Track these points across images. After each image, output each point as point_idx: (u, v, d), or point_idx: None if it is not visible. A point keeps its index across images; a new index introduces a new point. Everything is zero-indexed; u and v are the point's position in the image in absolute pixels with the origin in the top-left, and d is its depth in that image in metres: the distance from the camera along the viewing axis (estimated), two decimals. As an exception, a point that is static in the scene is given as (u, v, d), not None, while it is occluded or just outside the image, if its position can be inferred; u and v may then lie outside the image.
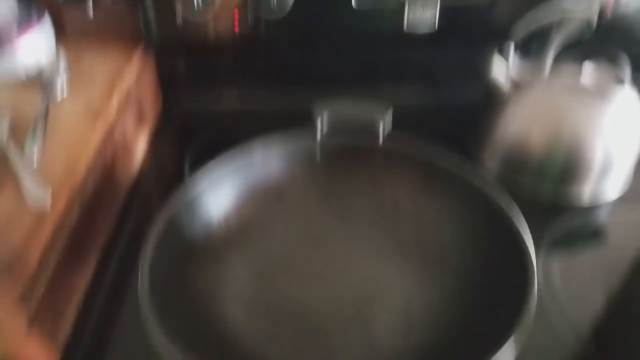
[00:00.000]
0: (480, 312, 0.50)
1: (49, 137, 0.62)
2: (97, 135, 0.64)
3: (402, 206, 0.62)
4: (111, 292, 0.59)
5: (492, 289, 0.51)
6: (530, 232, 0.51)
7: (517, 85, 0.68)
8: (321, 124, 0.66)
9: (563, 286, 0.57)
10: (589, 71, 0.66)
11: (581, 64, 0.67)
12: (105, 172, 0.64)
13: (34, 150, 0.59)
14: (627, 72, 0.64)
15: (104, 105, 0.68)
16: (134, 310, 0.54)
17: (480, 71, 0.71)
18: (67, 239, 0.54)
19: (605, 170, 0.65)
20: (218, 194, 0.60)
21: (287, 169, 0.64)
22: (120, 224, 0.67)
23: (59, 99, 0.67)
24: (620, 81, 0.65)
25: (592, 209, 0.67)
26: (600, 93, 0.64)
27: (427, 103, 0.85)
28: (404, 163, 0.62)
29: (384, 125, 0.65)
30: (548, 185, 0.67)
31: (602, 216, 0.67)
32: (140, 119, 0.78)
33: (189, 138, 0.80)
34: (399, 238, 0.61)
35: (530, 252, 0.49)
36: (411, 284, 0.56)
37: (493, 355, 0.41)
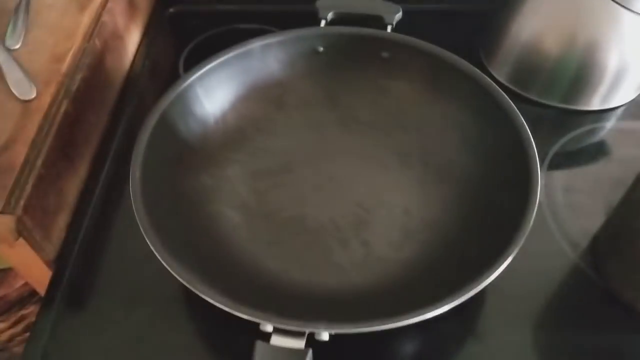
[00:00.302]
0: (481, 225, 0.49)
1: (33, 24, 0.59)
2: (85, 21, 0.60)
3: (407, 110, 0.59)
4: (105, 198, 0.57)
5: (493, 200, 0.50)
6: (536, 140, 0.49)
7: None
8: (326, 21, 0.63)
9: (564, 197, 0.57)
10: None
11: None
12: (95, 63, 0.61)
13: (18, 37, 0.56)
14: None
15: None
16: (128, 214, 0.54)
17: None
18: (56, 133, 0.52)
19: (618, 76, 0.63)
20: (214, 89, 0.57)
21: (288, 65, 0.60)
22: (113, 122, 0.64)
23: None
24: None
25: (600, 114, 0.65)
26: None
27: (438, 6, 0.80)
28: (410, 59, 0.58)
29: (392, 25, 0.62)
30: (559, 91, 0.65)
31: (611, 122, 0.65)
32: (132, 9, 0.73)
33: (185, 35, 0.76)
34: (401, 147, 0.59)
35: (535, 160, 0.47)
36: (412, 196, 0.55)
37: (492, 270, 0.40)
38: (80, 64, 0.58)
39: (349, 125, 0.61)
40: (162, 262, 0.41)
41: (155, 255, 0.41)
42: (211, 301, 0.39)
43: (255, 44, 0.58)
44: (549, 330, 0.48)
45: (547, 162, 0.59)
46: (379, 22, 0.62)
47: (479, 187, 0.52)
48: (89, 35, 0.61)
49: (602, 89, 0.63)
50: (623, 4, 0.60)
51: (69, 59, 0.56)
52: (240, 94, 0.59)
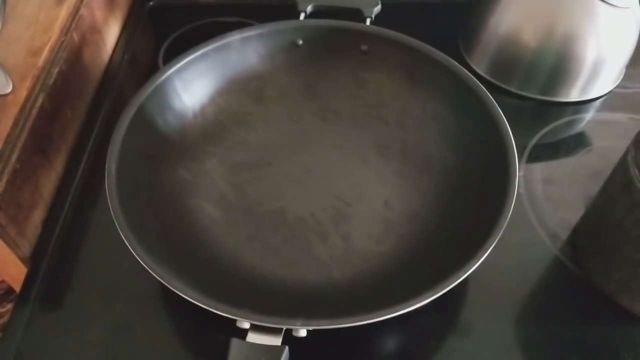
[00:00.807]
0: (460, 217, 0.49)
1: (9, 17, 0.57)
2: (62, 15, 0.59)
3: (386, 103, 0.59)
4: (81, 193, 0.57)
5: (472, 193, 0.50)
6: (516, 132, 0.49)
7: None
8: (305, 14, 0.63)
9: (544, 189, 0.57)
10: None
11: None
12: (73, 56, 0.60)
13: (-8, 29, 0.55)
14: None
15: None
16: (105, 209, 0.54)
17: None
18: (31, 127, 0.51)
19: (596, 68, 0.63)
20: (193, 82, 0.57)
21: (267, 57, 0.60)
22: (91, 116, 0.64)
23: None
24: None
25: (578, 106, 0.66)
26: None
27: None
28: (389, 51, 0.58)
29: (371, 18, 0.62)
30: (537, 82, 0.65)
31: (589, 114, 0.66)
32: (110, 3, 0.72)
33: (165, 28, 0.75)
34: (381, 139, 0.59)
35: (513, 152, 0.47)
36: (391, 188, 0.55)
37: (471, 263, 0.40)
38: (57, 58, 0.57)
39: (329, 118, 0.60)
40: (138, 259, 0.40)
41: (129, 251, 0.40)
42: (186, 297, 0.38)
43: (234, 37, 0.58)
44: (530, 323, 0.48)
45: (526, 153, 0.60)
46: (358, 15, 0.62)
47: (459, 180, 0.53)
48: (67, 29, 0.60)
49: (581, 81, 0.64)
50: (600, -4, 0.60)
51: (45, 52, 0.56)
52: (219, 87, 0.59)
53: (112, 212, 0.43)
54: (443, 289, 0.39)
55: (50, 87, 0.55)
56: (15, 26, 0.57)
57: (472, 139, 0.52)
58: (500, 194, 0.44)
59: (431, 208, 0.52)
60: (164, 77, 0.54)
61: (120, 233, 0.41)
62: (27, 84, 0.52)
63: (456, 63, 0.55)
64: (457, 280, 0.39)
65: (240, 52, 0.59)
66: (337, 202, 0.54)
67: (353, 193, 0.55)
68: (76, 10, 0.62)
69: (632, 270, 0.44)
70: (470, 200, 0.50)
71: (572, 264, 0.51)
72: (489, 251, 0.41)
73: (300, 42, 0.60)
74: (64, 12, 0.60)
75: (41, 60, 0.55)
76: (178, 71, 0.55)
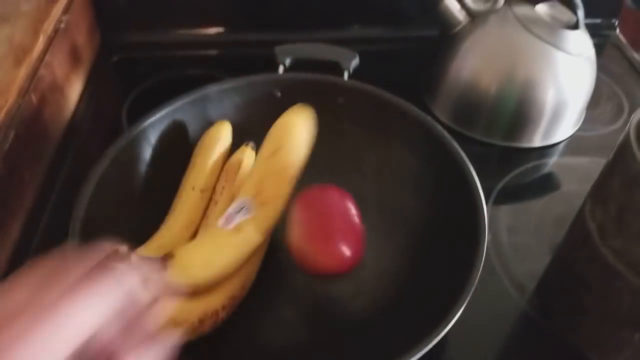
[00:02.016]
0: (430, 276, 0.48)
1: (-36, 79, 0.57)
2: (20, 76, 0.58)
3: (362, 155, 0.58)
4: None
5: (444, 248, 0.49)
6: (480, 179, 0.49)
7: (471, 16, 0.65)
8: (284, 66, 0.63)
9: (509, 238, 0.57)
10: (543, 11, 0.64)
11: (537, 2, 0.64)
12: (31, 118, 0.59)
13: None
14: (580, 14, 0.61)
15: (29, 42, 0.62)
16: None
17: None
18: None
19: (557, 113, 0.64)
20: (168, 135, 0.56)
21: (244, 109, 0.60)
22: (50, 177, 0.62)
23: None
24: (574, 24, 0.62)
25: (541, 151, 0.66)
26: (553, 36, 0.61)
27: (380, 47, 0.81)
28: (364, 105, 0.58)
29: (349, 70, 0.62)
30: (500, 129, 0.66)
31: (552, 159, 0.66)
32: (74, 60, 0.72)
33: (130, 83, 0.75)
34: (358, 192, 0.56)
35: (482, 214, 0.46)
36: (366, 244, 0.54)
37: (441, 328, 0.39)
38: (14, 120, 0.56)
39: (306, 170, 0.60)
40: None
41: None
42: None
43: (212, 89, 0.58)
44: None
45: (491, 200, 0.60)
46: (336, 67, 0.63)
47: (431, 233, 0.52)
48: (25, 91, 0.59)
49: (542, 126, 0.65)
50: (556, 44, 0.61)
51: (1, 116, 0.55)
52: (195, 139, 0.58)
53: None
54: (412, 356, 0.38)
55: (6, 151, 0.54)
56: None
57: (444, 194, 0.52)
58: (469, 252, 0.44)
59: (403, 265, 0.52)
60: (139, 129, 0.53)
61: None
62: (-19, 150, 0.51)
63: (428, 117, 0.55)
64: (424, 349, 0.38)
65: (218, 103, 0.59)
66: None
67: None
68: (35, 71, 0.61)
69: (598, 325, 0.44)
70: (441, 257, 0.49)
71: (540, 316, 0.50)
72: (457, 316, 0.40)
73: (279, 94, 0.60)
74: (22, 73, 0.59)
75: (-2, 124, 0.54)
76: (153, 124, 0.54)
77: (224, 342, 0.47)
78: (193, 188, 0.52)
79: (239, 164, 0.54)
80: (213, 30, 0.82)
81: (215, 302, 0.44)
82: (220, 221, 0.46)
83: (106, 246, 0.29)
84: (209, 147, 0.55)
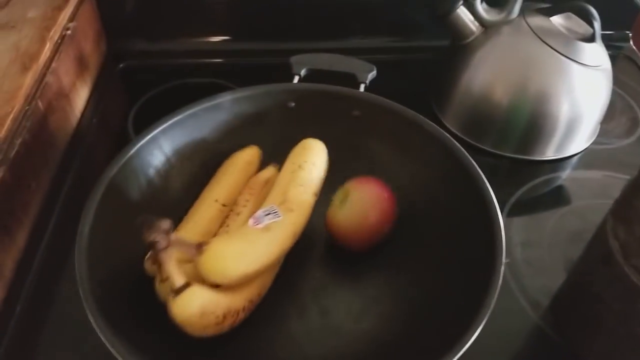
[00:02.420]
0: (444, 296, 0.47)
1: (-29, 85, 0.56)
2: (27, 83, 0.58)
3: (376, 170, 0.56)
4: (44, 269, 0.54)
5: (458, 266, 0.48)
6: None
7: (484, 26, 0.64)
8: (299, 77, 0.62)
9: (522, 252, 0.55)
10: (558, 23, 0.63)
11: (551, 14, 0.63)
12: (37, 125, 0.58)
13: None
14: (597, 26, 0.60)
15: (36, 49, 0.61)
16: (69, 285, 0.51)
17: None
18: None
19: (571, 126, 0.63)
20: (179, 141, 0.55)
21: (257, 119, 0.59)
22: (57, 185, 0.61)
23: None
24: (590, 36, 0.62)
25: (554, 164, 0.66)
26: (569, 47, 0.61)
27: (393, 56, 0.80)
28: (380, 118, 0.57)
29: (366, 83, 0.61)
30: (512, 141, 0.65)
31: (565, 172, 0.65)
32: (80, 67, 0.71)
33: (136, 90, 0.74)
34: None
35: (500, 233, 0.45)
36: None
37: (456, 349, 0.38)
38: (21, 127, 0.55)
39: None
40: (108, 345, 0.38)
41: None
42: None
43: (226, 98, 0.57)
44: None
45: (504, 214, 0.59)
46: (352, 80, 0.62)
47: (445, 251, 0.51)
48: (31, 97, 0.58)
49: (556, 139, 0.64)
50: (571, 57, 0.60)
51: (8, 123, 0.54)
52: (206, 146, 0.57)
53: (83, 299, 0.40)
54: None
55: (12, 159, 0.53)
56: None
57: (460, 211, 0.51)
58: (485, 273, 0.43)
59: (416, 284, 0.51)
60: (150, 135, 0.52)
61: (85, 305, 0.39)
62: (-13, 155, 0.51)
63: (443, 132, 0.54)
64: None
65: (231, 112, 0.58)
66: (318, 273, 0.52)
67: (334, 279, 0.53)
68: (42, 77, 0.61)
69: (615, 344, 0.43)
70: (455, 278, 0.48)
71: (554, 333, 0.49)
72: (476, 334, 0.39)
73: (293, 104, 0.59)
74: (29, 79, 0.58)
75: (3, 132, 0.53)
76: (165, 130, 0.54)
77: (229, 354, 0.46)
78: (216, 201, 0.53)
79: (265, 181, 0.55)
80: (220, 39, 0.81)
81: (237, 301, 0.44)
82: (250, 221, 0.47)
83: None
84: (237, 167, 0.56)
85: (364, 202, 0.51)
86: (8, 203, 0.52)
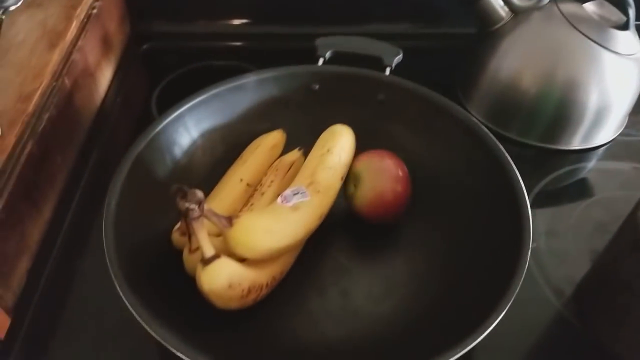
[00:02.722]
0: (466, 281, 0.47)
1: (1, 62, 0.56)
2: (54, 60, 0.58)
3: (400, 155, 0.55)
4: (69, 241, 0.54)
5: (481, 253, 0.48)
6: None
7: (514, 12, 0.63)
8: (324, 59, 0.62)
9: (547, 242, 0.55)
10: (591, 10, 0.62)
11: (584, 0, 0.62)
12: (64, 101, 0.59)
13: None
14: (631, 14, 0.59)
15: (63, 27, 0.62)
16: (94, 257, 0.51)
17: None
18: (19, 175, 0.49)
19: (599, 115, 0.62)
20: (204, 121, 0.55)
21: (281, 100, 0.59)
22: (82, 161, 0.62)
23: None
24: (624, 24, 0.61)
25: (580, 154, 0.65)
26: (601, 35, 0.60)
27: (417, 42, 0.80)
28: (406, 102, 0.57)
29: (391, 67, 0.61)
30: (538, 130, 0.64)
31: (591, 163, 0.64)
32: (104, 46, 0.72)
33: (159, 71, 0.75)
34: None
35: (527, 217, 0.45)
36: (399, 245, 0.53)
37: (477, 333, 0.38)
38: (48, 103, 0.56)
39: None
40: (136, 316, 0.38)
41: (120, 301, 0.39)
42: (175, 352, 0.37)
43: (250, 79, 0.57)
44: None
45: (529, 204, 0.58)
46: (377, 63, 0.61)
47: (469, 237, 0.50)
48: (58, 74, 0.59)
49: (583, 128, 0.63)
50: (603, 44, 0.59)
51: (36, 98, 0.54)
52: (230, 127, 0.57)
53: (107, 255, 0.41)
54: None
55: (40, 133, 0.53)
56: (6, 71, 0.56)
57: (485, 196, 0.51)
58: (511, 257, 0.42)
59: (437, 269, 0.50)
60: (176, 113, 0.53)
61: (112, 276, 0.40)
62: (16, 130, 0.51)
63: (473, 118, 0.54)
64: (462, 350, 0.37)
65: (255, 93, 0.58)
66: (339, 255, 0.52)
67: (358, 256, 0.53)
68: (68, 55, 0.61)
69: (643, 333, 0.42)
70: (478, 263, 0.47)
71: (577, 322, 0.49)
72: (496, 322, 0.39)
73: (317, 87, 0.59)
74: (56, 56, 0.59)
75: (31, 106, 0.53)
76: (190, 109, 0.54)
77: (250, 330, 0.46)
78: (241, 180, 0.53)
79: (291, 164, 0.55)
80: (243, 22, 0.81)
81: (262, 277, 0.45)
82: (279, 199, 0.48)
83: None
84: (263, 149, 0.56)
85: (376, 177, 0.52)
86: (35, 176, 0.53)
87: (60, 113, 0.58)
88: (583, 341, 0.48)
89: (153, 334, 0.37)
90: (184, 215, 0.40)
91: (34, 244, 0.53)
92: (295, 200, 0.47)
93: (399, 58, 0.62)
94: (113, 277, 0.40)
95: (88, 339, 0.47)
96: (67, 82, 0.60)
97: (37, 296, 0.50)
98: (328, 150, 0.52)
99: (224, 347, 0.42)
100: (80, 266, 0.52)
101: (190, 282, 0.44)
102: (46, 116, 0.55)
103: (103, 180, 0.47)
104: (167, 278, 0.46)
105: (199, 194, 0.40)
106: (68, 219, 0.56)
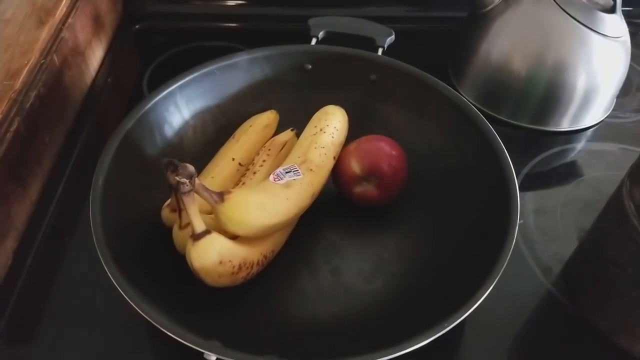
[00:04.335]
0: (455, 258, 0.48)
1: (-13, 37, 0.56)
2: (43, 37, 0.58)
3: (392, 135, 0.55)
4: (56, 222, 0.54)
5: (470, 233, 0.48)
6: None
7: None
8: (317, 39, 0.62)
9: (535, 221, 0.55)
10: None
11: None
12: (52, 79, 0.58)
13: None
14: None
15: (52, 4, 0.61)
16: (81, 238, 0.51)
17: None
18: (5, 152, 0.49)
19: (587, 97, 0.63)
20: (195, 99, 0.55)
21: (274, 80, 0.58)
22: (70, 141, 0.61)
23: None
24: (611, 7, 0.61)
25: (569, 136, 0.65)
26: (589, 17, 0.60)
27: (411, 25, 0.80)
28: (398, 83, 0.57)
29: (384, 47, 0.61)
30: (528, 111, 0.64)
31: (579, 144, 0.65)
32: (96, 25, 0.71)
33: (151, 52, 0.74)
34: None
35: (515, 198, 0.45)
36: (388, 224, 0.54)
37: (465, 308, 0.38)
38: (36, 80, 0.55)
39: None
40: (124, 295, 0.38)
41: (108, 281, 0.38)
42: (156, 325, 0.37)
43: (242, 57, 0.57)
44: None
45: (517, 183, 0.58)
46: (370, 44, 0.61)
47: (457, 218, 0.51)
48: (47, 52, 0.58)
49: (571, 110, 0.63)
50: (591, 26, 0.60)
51: (23, 75, 0.54)
52: (222, 106, 0.57)
53: (93, 233, 0.41)
54: (431, 336, 0.37)
55: (27, 110, 0.53)
56: (-7, 44, 0.56)
57: (475, 177, 0.51)
58: (499, 233, 0.43)
59: (427, 247, 0.51)
60: (167, 91, 0.53)
61: (99, 254, 0.40)
62: (3, 107, 0.50)
63: (464, 99, 0.54)
64: (450, 325, 0.37)
65: (247, 72, 0.58)
66: (331, 234, 0.52)
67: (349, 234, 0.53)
68: (57, 32, 0.61)
69: (629, 308, 0.43)
70: (467, 240, 0.48)
71: (566, 299, 0.49)
72: (484, 296, 0.39)
73: (309, 66, 0.59)
74: (44, 33, 0.58)
75: (19, 83, 0.53)
76: (181, 87, 0.54)
77: (241, 308, 0.46)
78: (233, 159, 0.53)
79: (283, 144, 0.55)
80: (236, 3, 0.81)
81: (253, 254, 0.45)
82: (271, 177, 0.48)
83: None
84: (255, 128, 0.56)
85: (370, 153, 0.51)
86: (23, 154, 0.52)
87: (48, 91, 0.57)
88: (570, 318, 0.48)
89: (141, 312, 0.37)
90: (175, 189, 0.40)
91: (21, 224, 0.52)
92: (288, 178, 0.47)
93: (391, 39, 0.62)
94: (100, 255, 0.40)
95: (76, 319, 0.47)
96: (56, 59, 0.59)
97: (23, 277, 0.50)
98: (321, 130, 0.52)
99: (215, 325, 0.42)
100: (68, 246, 0.52)
101: (179, 260, 0.44)
102: (34, 93, 0.54)
103: (92, 160, 0.46)
104: (156, 256, 0.46)
105: (190, 168, 0.40)
106: (56, 199, 0.56)
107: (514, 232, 0.42)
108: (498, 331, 0.47)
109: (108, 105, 0.68)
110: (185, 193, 0.40)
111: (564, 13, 0.60)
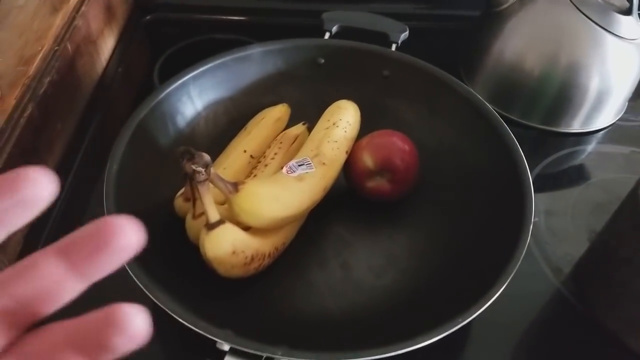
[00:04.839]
0: (467, 256, 0.47)
1: (2, 25, 0.56)
2: (56, 24, 0.57)
3: (403, 132, 0.55)
4: (65, 210, 0.54)
5: (483, 231, 0.48)
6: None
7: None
8: (330, 33, 0.62)
9: (546, 221, 0.55)
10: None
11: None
12: (65, 66, 0.58)
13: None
14: (635, 0, 0.59)
15: (65, -8, 0.61)
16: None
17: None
18: (18, 138, 0.49)
19: (600, 99, 0.62)
20: (208, 90, 0.55)
21: (287, 73, 0.58)
22: (81, 130, 0.61)
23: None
24: (627, 9, 0.61)
25: (580, 137, 0.65)
26: (604, 18, 0.60)
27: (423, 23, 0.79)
28: (411, 79, 0.57)
29: (397, 43, 0.61)
30: (540, 111, 0.64)
31: (591, 146, 0.65)
32: (108, 14, 0.71)
33: (161, 43, 0.74)
34: None
35: (530, 197, 0.45)
36: (399, 220, 0.53)
37: (477, 306, 0.38)
38: (49, 67, 0.55)
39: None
40: (137, 281, 0.38)
41: (121, 269, 0.38)
42: (170, 313, 0.36)
43: (256, 50, 0.57)
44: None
45: (531, 180, 0.58)
46: (384, 39, 0.61)
47: (469, 213, 0.50)
48: (61, 38, 0.58)
49: (583, 111, 0.63)
50: (607, 27, 0.59)
51: (37, 61, 0.54)
52: (234, 98, 0.57)
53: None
54: (440, 334, 0.37)
55: (41, 96, 0.53)
56: (7, 34, 0.55)
57: (488, 175, 0.51)
58: (512, 231, 0.43)
59: (438, 245, 0.50)
60: (181, 81, 0.53)
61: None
62: (16, 92, 0.50)
63: (478, 96, 0.54)
64: (461, 323, 0.37)
65: (260, 65, 0.58)
66: (341, 229, 0.52)
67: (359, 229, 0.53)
68: (71, 20, 0.61)
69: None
70: (479, 238, 0.48)
71: (575, 299, 0.49)
72: (496, 295, 0.39)
73: (322, 60, 0.59)
74: (58, 21, 0.58)
75: (32, 69, 0.53)
76: (195, 77, 0.54)
77: (251, 300, 0.46)
78: (245, 151, 0.53)
79: (295, 137, 0.55)
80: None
81: (265, 246, 0.45)
82: (284, 169, 0.47)
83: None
84: (267, 121, 0.56)
85: (383, 148, 0.51)
86: (35, 141, 0.52)
87: (61, 78, 0.57)
88: (580, 318, 0.48)
89: (155, 299, 0.37)
90: (190, 178, 0.40)
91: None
92: (301, 171, 0.47)
93: (405, 35, 0.62)
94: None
95: (87, 307, 0.46)
96: (69, 47, 0.59)
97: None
98: (334, 124, 0.52)
99: (225, 315, 0.41)
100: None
101: (191, 250, 0.44)
102: (47, 80, 0.54)
103: (102, 150, 0.46)
104: (169, 246, 0.46)
105: (206, 157, 0.40)
106: (66, 187, 0.56)
107: (529, 231, 0.42)
108: (506, 330, 0.47)
109: (118, 96, 0.68)
110: (200, 182, 0.40)
111: (580, 13, 0.60)
